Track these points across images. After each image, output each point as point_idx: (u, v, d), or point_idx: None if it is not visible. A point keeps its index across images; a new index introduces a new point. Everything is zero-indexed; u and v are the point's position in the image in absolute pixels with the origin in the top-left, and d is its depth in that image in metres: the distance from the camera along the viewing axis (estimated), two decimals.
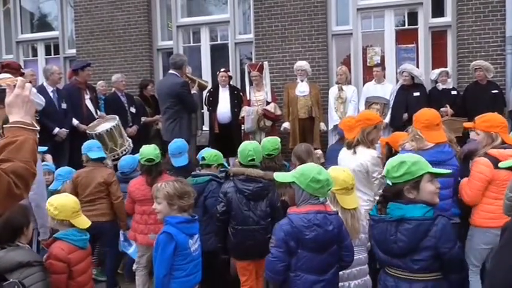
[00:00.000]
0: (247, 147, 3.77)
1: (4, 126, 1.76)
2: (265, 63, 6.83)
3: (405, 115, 6.24)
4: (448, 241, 2.31)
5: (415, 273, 2.36)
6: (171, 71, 5.90)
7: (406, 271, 2.37)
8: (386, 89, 6.65)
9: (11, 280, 1.85)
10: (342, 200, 2.87)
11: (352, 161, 3.74)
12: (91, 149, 4.48)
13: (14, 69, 5.67)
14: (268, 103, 6.63)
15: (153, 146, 4.28)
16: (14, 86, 1.76)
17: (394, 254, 2.40)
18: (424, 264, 2.32)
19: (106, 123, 5.97)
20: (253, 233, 3.60)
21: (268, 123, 6.56)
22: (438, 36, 7.26)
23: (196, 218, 3.01)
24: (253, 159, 3.72)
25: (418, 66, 7.05)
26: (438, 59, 7.18)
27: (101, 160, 4.49)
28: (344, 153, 3.93)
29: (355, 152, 3.77)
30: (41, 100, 5.59)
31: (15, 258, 2.42)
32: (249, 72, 6.79)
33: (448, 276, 2.36)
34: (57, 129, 5.93)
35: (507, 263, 1.80)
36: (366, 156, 3.74)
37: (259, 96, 6.69)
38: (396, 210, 2.38)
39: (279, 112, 6.65)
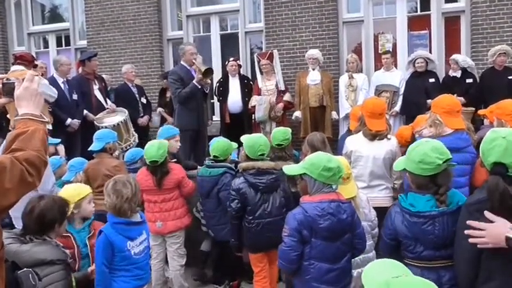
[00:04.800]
0: (258, 141, 3.71)
1: (14, 118, 1.79)
2: (275, 52, 6.79)
3: (429, 101, 6.08)
4: None
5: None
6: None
7: (448, 259, 2.33)
8: (395, 77, 6.56)
9: (25, 269, 1.86)
10: (341, 189, 2.81)
11: (380, 150, 3.71)
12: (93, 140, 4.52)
13: (28, 61, 5.71)
14: (279, 92, 6.59)
15: (157, 145, 4.19)
16: (23, 79, 1.79)
17: (449, 245, 2.31)
18: None
19: (114, 117, 6.00)
20: (269, 226, 3.59)
21: (279, 112, 6.54)
22: (451, 22, 7.13)
23: (141, 221, 2.96)
24: (263, 154, 3.70)
25: (430, 53, 6.94)
26: (451, 46, 7.06)
27: (103, 150, 4.47)
28: (365, 144, 3.81)
29: (389, 139, 3.77)
30: (53, 92, 5.62)
31: (38, 255, 2.40)
32: (259, 62, 6.75)
33: None
34: (69, 120, 5.98)
35: (461, 246, 2.12)
36: (394, 142, 3.78)
37: (270, 86, 6.66)
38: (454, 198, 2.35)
39: (291, 101, 6.67)
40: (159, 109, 7.28)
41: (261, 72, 6.76)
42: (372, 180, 3.80)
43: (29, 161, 1.63)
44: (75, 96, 6.19)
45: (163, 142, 4.31)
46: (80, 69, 6.67)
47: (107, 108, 6.34)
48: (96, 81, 6.55)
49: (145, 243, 3.00)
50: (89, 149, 4.49)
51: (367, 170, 3.78)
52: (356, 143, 3.87)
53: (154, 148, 4.16)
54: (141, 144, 5.80)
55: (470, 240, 1.98)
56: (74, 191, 3.13)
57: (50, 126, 5.42)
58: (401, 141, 4.12)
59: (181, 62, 5.89)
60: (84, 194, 3.14)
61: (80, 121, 6.09)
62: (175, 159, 4.58)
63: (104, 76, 7.23)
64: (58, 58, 6.40)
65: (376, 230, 3.15)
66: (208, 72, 5.81)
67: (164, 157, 4.17)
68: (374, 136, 3.77)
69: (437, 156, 2.29)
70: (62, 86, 6.10)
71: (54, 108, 5.78)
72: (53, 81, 5.99)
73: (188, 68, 5.86)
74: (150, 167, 4.20)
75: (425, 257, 2.35)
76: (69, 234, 3.02)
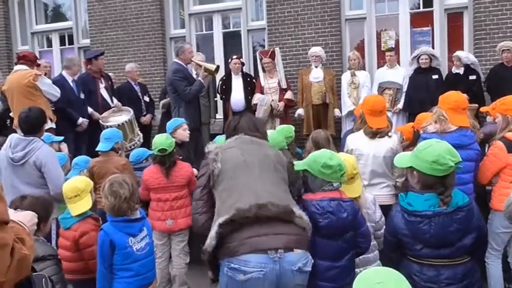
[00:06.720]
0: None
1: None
2: (277, 49, 6.80)
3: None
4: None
5: (457, 258, 2.38)
6: (173, 59, 5.98)
7: (449, 259, 2.37)
8: (398, 74, 6.54)
9: (40, 273, 1.85)
10: (345, 189, 2.77)
11: (380, 148, 3.70)
12: (100, 141, 4.52)
13: (30, 60, 5.72)
14: (282, 90, 6.60)
15: (165, 135, 4.25)
16: None
17: (447, 245, 2.36)
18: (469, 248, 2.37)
19: (119, 117, 6.01)
20: None
21: (282, 108, 6.56)
22: (454, 19, 7.11)
23: (140, 217, 2.95)
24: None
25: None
26: (454, 42, 7.05)
27: (111, 150, 4.47)
28: (365, 142, 3.78)
29: (390, 136, 3.76)
30: (56, 91, 5.63)
31: None
32: (261, 60, 6.76)
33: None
34: (81, 119, 5.98)
35: None
36: (395, 139, 3.77)
37: (272, 84, 6.66)
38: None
39: (293, 99, 6.67)
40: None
41: (263, 70, 6.77)
42: (372, 179, 3.77)
43: (22, 263, 1.44)
44: (82, 95, 6.21)
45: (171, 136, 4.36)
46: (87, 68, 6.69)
47: (113, 107, 6.36)
48: (102, 80, 6.56)
49: (146, 240, 2.96)
50: (98, 149, 4.46)
51: (367, 169, 3.73)
52: (357, 141, 3.84)
53: (163, 137, 4.20)
54: (144, 143, 5.83)
55: None
56: (86, 181, 3.31)
57: (53, 125, 5.45)
58: (409, 136, 4.11)
59: (177, 60, 5.88)
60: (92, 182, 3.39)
61: (88, 120, 6.11)
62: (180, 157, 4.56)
63: (110, 74, 7.26)
64: (73, 57, 6.49)
65: (382, 231, 3.09)
66: (217, 69, 5.93)
67: (172, 147, 4.18)
68: (375, 134, 3.74)
69: (450, 158, 2.30)
70: (72, 85, 6.11)
71: (64, 107, 5.80)
72: (62, 80, 6.01)
73: (185, 66, 5.89)
74: (159, 157, 4.18)
75: (424, 255, 2.39)
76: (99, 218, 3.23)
